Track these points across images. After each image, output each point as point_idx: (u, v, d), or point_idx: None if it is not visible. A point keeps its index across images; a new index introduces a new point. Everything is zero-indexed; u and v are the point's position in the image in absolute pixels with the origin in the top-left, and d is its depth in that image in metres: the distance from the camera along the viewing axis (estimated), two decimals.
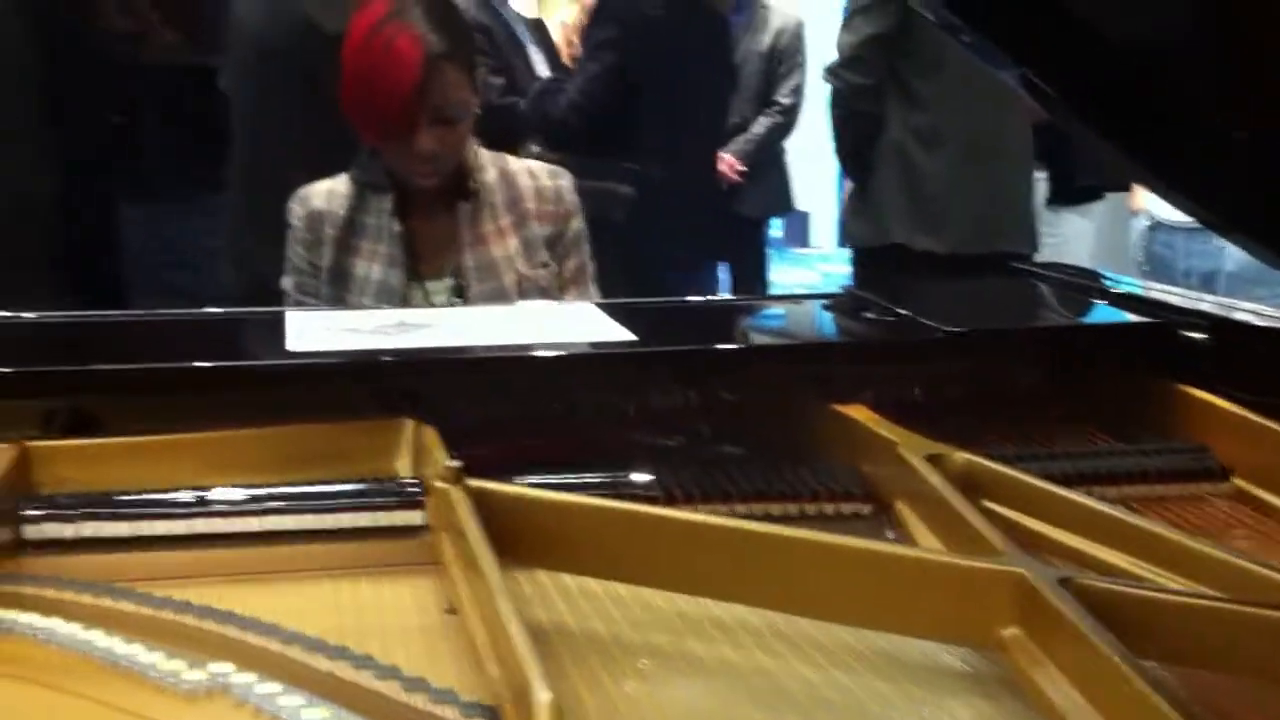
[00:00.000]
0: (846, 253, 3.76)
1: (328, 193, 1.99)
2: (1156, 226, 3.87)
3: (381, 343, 1.32)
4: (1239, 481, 1.19)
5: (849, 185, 4.39)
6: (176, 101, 4.90)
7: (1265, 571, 0.88)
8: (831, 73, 3.34)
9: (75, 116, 4.50)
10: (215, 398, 1.20)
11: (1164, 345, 1.35)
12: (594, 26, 3.48)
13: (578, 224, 2.04)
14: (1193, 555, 0.93)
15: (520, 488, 1.02)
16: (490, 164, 2.01)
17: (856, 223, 3.37)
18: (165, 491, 1.07)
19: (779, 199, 4.80)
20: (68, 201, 4.42)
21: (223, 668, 0.83)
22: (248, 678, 0.82)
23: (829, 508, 1.13)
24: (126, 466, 1.12)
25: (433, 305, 1.94)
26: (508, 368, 1.27)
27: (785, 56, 4.37)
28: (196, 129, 4.47)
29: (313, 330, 1.36)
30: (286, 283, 2.03)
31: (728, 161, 4.14)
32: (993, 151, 3.25)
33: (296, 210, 2.00)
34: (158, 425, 1.16)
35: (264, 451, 1.15)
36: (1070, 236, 4.02)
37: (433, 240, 1.99)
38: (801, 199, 5.42)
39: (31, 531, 1.04)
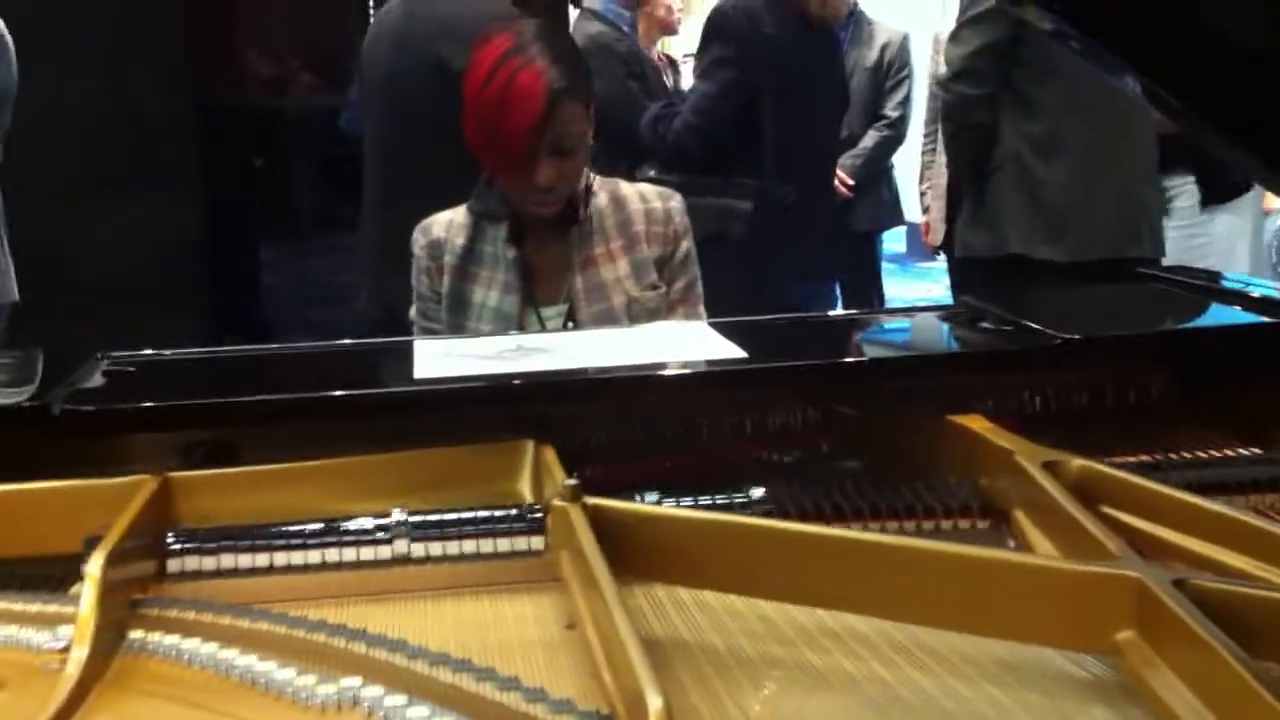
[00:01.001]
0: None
1: (448, 223, 2.05)
2: None
3: (502, 367, 1.35)
4: None
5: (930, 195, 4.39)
6: (314, 144, 5.09)
7: None
8: (942, 85, 3.31)
9: (219, 161, 4.72)
10: (345, 425, 1.25)
11: None
12: (705, 46, 3.51)
13: (687, 245, 2.07)
14: None
15: (635, 505, 1.04)
16: (602, 189, 2.06)
17: (973, 232, 3.33)
18: (299, 522, 1.11)
19: (889, 212, 4.78)
20: (213, 243, 4.62)
21: (352, 682, 0.87)
22: (376, 691, 0.86)
23: (946, 524, 1.14)
24: (262, 494, 1.17)
25: (546, 331, 1.98)
26: (623, 388, 1.30)
27: (892, 70, 4.38)
28: (333, 170, 4.63)
29: (438, 357, 1.40)
30: (413, 312, 2.09)
31: (838, 177, 4.14)
32: (1112, 157, 3.19)
33: (419, 240, 2.06)
34: (293, 455, 1.21)
35: (392, 476, 1.19)
36: (1220, 236, 3.92)
37: (547, 266, 2.04)
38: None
39: (174, 565, 1.10)
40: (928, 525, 1.13)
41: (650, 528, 1.02)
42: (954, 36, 3.25)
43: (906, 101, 4.38)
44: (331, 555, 1.10)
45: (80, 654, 0.87)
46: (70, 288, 3.76)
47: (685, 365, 1.35)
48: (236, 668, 0.91)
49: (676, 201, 2.07)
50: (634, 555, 1.01)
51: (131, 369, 1.37)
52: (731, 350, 1.36)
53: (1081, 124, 3.13)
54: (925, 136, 4.46)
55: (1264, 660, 0.75)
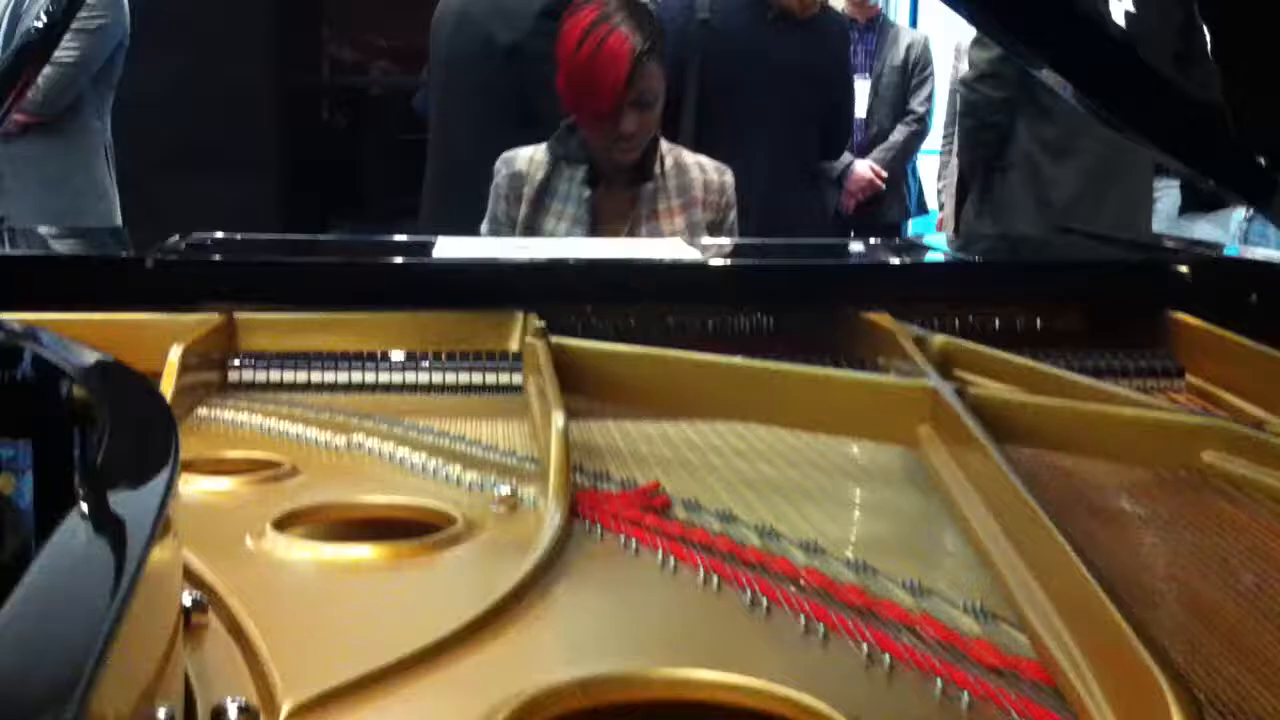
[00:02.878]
0: None
1: (529, 158, 2.32)
2: (1253, 217, 3.93)
3: (508, 253, 1.67)
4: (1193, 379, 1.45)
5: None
6: (390, 125, 5.32)
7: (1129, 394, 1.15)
8: (966, 85, 3.55)
9: (300, 142, 5.01)
10: (375, 290, 1.57)
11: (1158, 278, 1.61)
12: None
13: (733, 217, 2.34)
14: (1097, 394, 1.21)
15: (592, 342, 1.35)
16: (669, 153, 2.33)
17: (980, 223, 3.58)
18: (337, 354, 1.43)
19: (916, 203, 5.01)
20: (287, 220, 4.91)
21: (359, 438, 1.18)
22: (376, 443, 1.17)
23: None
24: (306, 335, 1.49)
25: None
26: (597, 274, 1.61)
27: (917, 69, 4.62)
28: (406, 151, 4.83)
29: (454, 247, 1.72)
30: (484, 228, 2.38)
31: (873, 170, 4.39)
32: (1119, 165, 3.40)
33: (502, 169, 2.34)
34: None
35: (409, 330, 1.50)
36: None
37: (613, 211, 2.30)
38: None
39: (234, 376, 1.42)
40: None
41: (601, 359, 1.32)
42: (979, 40, 3.48)
43: (931, 98, 4.62)
44: (357, 376, 1.41)
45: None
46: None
47: (652, 261, 1.65)
48: (278, 431, 1.23)
49: (729, 176, 2.35)
50: (587, 383, 1.31)
51: (208, 241, 1.69)
52: (692, 254, 1.66)
53: (1093, 131, 3.34)
54: (945, 138, 4.72)
55: (1017, 445, 1.04)
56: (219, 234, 1.77)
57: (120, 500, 0.63)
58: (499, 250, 1.73)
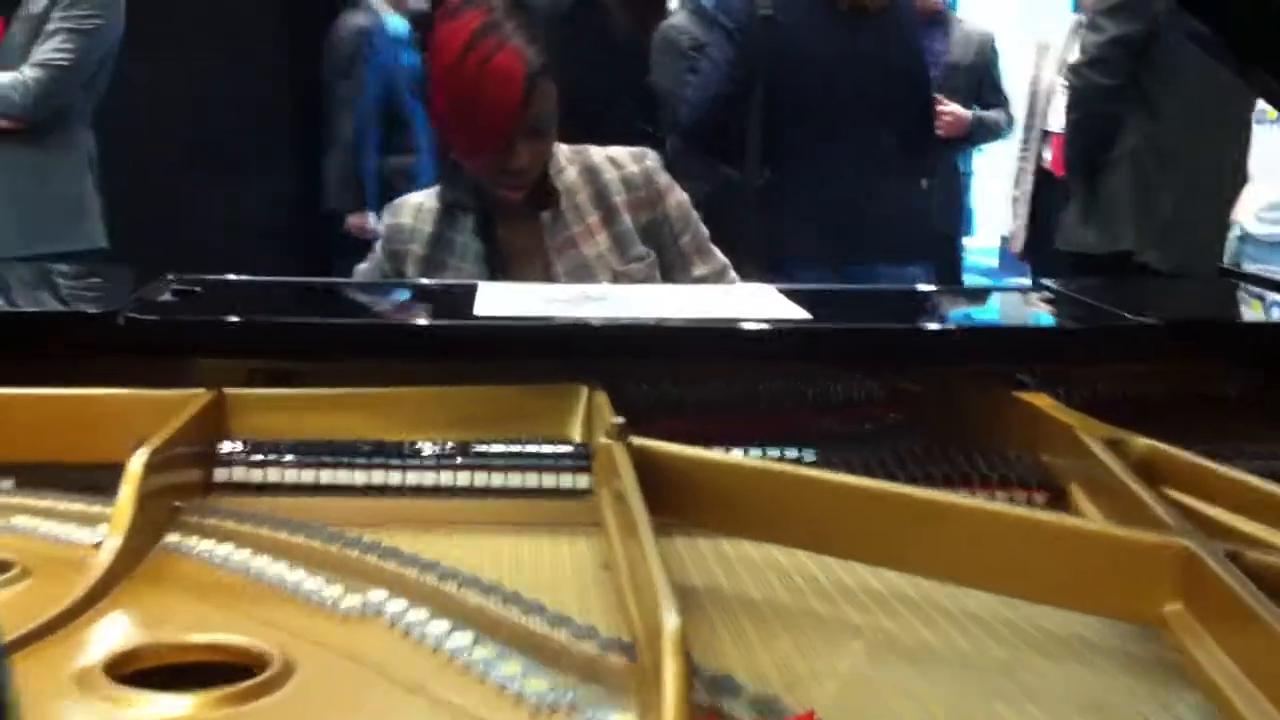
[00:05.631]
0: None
1: (417, 208, 1.94)
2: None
3: (564, 311, 1.34)
4: None
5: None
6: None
7: None
8: (1075, 71, 3.28)
9: (317, 139, 4.81)
10: (400, 357, 1.25)
11: None
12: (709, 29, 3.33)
13: (675, 198, 1.94)
14: None
15: (682, 447, 1.03)
16: (570, 162, 1.93)
17: (1083, 230, 3.28)
18: (348, 442, 1.11)
19: (966, 220, 4.76)
20: (307, 219, 4.72)
21: (379, 595, 0.86)
22: (400, 604, 0.85)
23: (1002, 494, 1.10)
24: (315, 416, 1.17)
25: None
26: (681, 341, 1.28)
27: (984, 68, 4.40)
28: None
29: (500, 298, 1.40)
30: (358, 269, 1.99)
31: (955, 112, 4.12)
32: (1219, 171, 3.17)
33: (386, 218, 1.97)
34: (346, 383, 1.20)
35: (445, 409, 1.18)
36: None
37: (522, 252, 1.92)
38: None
39: (221, 474, 1.10)
40: (983, 496, 1.10)
41: (697, 471, 1.00)
42: (1091, 24, 3.25)
43: (1003, 94, 4.39)
44: (377, 476, 1.09)
45: (113, 543, 0.87)
46: (177, 256, 3.87)
47: (747, 323, 1.32)
48: (267, 575, 0.91)
49: (651, 160, 1.95)
50: (678, 499, 0.99)
51: (197, 289, 1.38)
52: (796, 312, 1.33)
53: (1199, 135, 3.10)
54: (1022, 143, 4.41)
55: None
56: (228, 276, 1.46)
57: None
58: (552, 302, 1.40)
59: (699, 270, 1.95)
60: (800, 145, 3.00)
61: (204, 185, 4.27)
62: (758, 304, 1.40)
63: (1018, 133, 4.41)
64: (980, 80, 4.35)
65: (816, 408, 1.29)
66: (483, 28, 1.78)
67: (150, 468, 0.97)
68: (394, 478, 1.10)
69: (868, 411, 1.29)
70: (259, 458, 1.10)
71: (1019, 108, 4.39)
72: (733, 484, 0.98)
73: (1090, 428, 1.08)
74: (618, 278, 1.88)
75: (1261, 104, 3.12)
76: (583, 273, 1.88)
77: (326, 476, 1.10)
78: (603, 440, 1.03)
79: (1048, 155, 4.23)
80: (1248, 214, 4.04)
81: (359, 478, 1.10)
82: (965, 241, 5.04)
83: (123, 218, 3.46)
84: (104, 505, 1.01)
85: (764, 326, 1.30)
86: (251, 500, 1.08)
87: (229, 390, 1.17)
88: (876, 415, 1.29)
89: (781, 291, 1.43)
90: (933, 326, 1.42)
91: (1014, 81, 4.55)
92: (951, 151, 4.40)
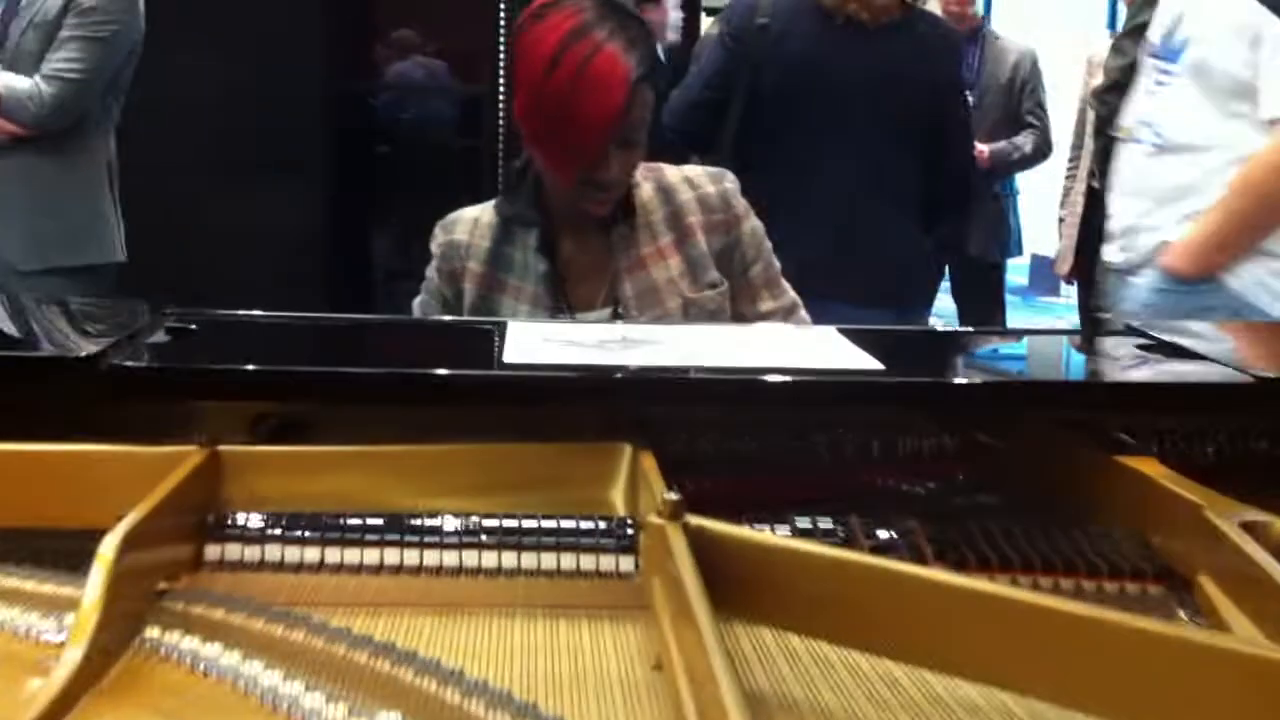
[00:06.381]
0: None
1: (473, 223, 1.82)
2: None
3: (602, 358, 1.19)
4: None
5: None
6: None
7: None
8: (1096, 96, 3.16)
9: (346, 149, 4.73)
10: (418, 408, 1.10)
11: None
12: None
13: (750, 224, 1.82)
14: None
15: (747, 530, 0.88)
16: (645, 178, 1.80)
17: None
18: (359, 515, 0.97)
19: (1015, 242, 4.60)
20: (333, 226, 4.63)
21: (389, 717, 0.72)
22: None
23: (1110, 585, 0.95)
24: (322, 479, 1.03)
25: None
26: (738, 392, 1.13)
27: (1026, 83, 4.26)
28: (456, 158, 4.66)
29: (531, 342, 1.25)
30: (416, 305, 1.86)
31: (981, 153, 4.01)
32: None
33: (438, 236, 1.83)
34: (360, 438, 1.06)
35: (469, 470, 1.04)
36: None
37: (586, 270, 1.79)
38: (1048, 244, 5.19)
39: (212, 552, 0.96)
40: (1088, 585, 0.95)
41: (763, 559, 0.85)
42: (1114, 47, 3.13)
43: (1043, 108, 4.25)
44: (392, 556, 0.95)
45: (73, 655, 0.73)
46: (200, 265, 3.82)
47: (812, 372, 1.17)
48: (259, 686, 0.76)
49: (730, 182, 1.83)
50: (741, 590, 0.84)
51: (194, 327, 1.23)
52: (864, 360, 1.18)
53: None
54: (1070, 162, 4.27)
55: None
56: (237, 311, 1.32)
57: None
58: (588, 346, 1.26)
59: (766, 305, 1.83)
60: (775, 159, 2.83)
61: (229, 194, 4.20)
62: (823, 351, 1.25)
63: (1064, 151, 4.27)
64: (1019, 100, 4.21)
65: (886, 467, 1.15)
66: (576, 29, 1.65)
67: (128, 545, 0.83)
68: (411, 556, 0.95)
69: (944, 472, 1.14)
70: (256, 531, 0.96)
71: (1065, 126, 4.26)
72: (807, 578, 0.83)
73: (1220, 506, 0.92)
74: (687, 306, 1.76)
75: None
76: (650, 297, 1.76)
77: (333, 555, 0.95)
78: (653, 519, 0.89)
79: None
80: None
81: (370, 556, 0.95)
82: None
83: (142, 226, 3.34)
84: (76, 587, 0.87)
85: (831, 379, 1.15)
86: (247, 578, 0.94)
87: (224, 448, 1.03)
88: (953, 476, 1.14)
89: (842, 332, 1.28)
90: (1024, 378, 1.27)
91: (1061, 97, 4.41)
92: (987, 180, 4.26)
